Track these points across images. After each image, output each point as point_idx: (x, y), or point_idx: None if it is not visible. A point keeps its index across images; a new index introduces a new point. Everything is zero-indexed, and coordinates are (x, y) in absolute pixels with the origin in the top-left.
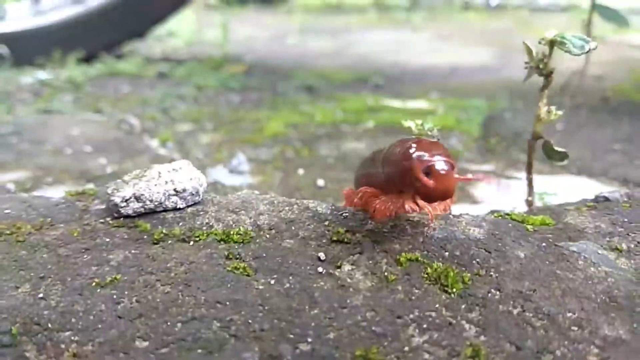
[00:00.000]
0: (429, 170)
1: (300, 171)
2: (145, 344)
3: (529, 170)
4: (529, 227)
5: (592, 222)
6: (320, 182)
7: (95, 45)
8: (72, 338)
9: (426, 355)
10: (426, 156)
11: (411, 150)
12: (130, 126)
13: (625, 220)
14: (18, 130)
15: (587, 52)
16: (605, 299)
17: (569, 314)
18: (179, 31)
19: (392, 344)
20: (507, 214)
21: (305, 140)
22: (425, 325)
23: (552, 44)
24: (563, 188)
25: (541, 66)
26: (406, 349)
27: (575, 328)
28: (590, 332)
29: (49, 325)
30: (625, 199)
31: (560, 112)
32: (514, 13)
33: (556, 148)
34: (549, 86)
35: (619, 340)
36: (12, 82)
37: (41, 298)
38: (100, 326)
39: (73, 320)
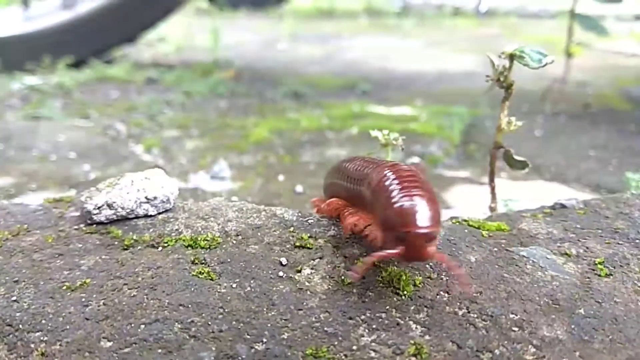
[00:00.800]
0: (405, 239)
1: (281, 177)
2: (110, 344)
3: (492, 178)
4: (484, 232)
5: (545, 228)
6: (299, 189)
7: (84, 51)
8: (42, 338)
9: (372, 354)
10: (409, 220)
11: (397, 210)
12: (116, 132)
13: (578, 226)
14: (6, 136)
15: (544, 65)
16: (547, 302)
17: (512, 315)
18: (169, 36)
19: (342, 343)
20: (465, 220)
21: (289, 146)
22: (374, 326)
23: (511, 57)
24: (534, 194)
25: (502, 79)
26: (354, 347)
27: (516, 329)
28: (530, 332)
29: (20, 326)
30: (581, 206)
31: (519, 123)
32: (504, 20)
33: (516, 157)
34: (510, 97)
35: (556, 341)
36: (2, 87)
37: (14, 300)
38: (68, 327)
39: (43, 321)
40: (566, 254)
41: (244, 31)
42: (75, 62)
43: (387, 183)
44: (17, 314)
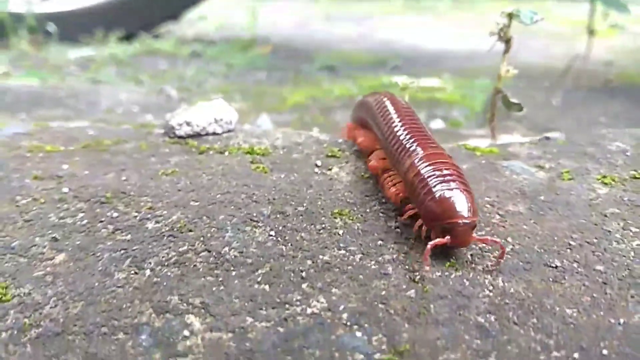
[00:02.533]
0: (452, 229)
1: (315, 130)
2: (197, 203)
3: (492, 119)
4: (477, 153)
5: (527, 151)
6: None
7: (133, 25)
8: (148, 200)
9: (380, 214)
10: (454, 211)
11: (442, 204)
12: (168, 95)
13: (555, 150)
14: (74, 94)
15: (535, 22)
16: (516, 192)
17: (487, 199)
18: (209, 16)
19: (359, 209)
20: (463, 144)
21: (322, 109)
22: (383, 201)
23: (510, 16)
24: None
25: (502, 34)
26: (368, 211)
27: (489, 206)
28: (498, 208)
29: (132, 193)
30: (562, 138)
31: (515, 71)
32: (539, 3)
33: (512, 100)
34: (509, 50)
35: (517, 213)
36: (60, 56)
37: (124, 180)
38: (166, 194)
39: (147, 191)
40: (539, 166)
41: (280, 12)
42: (125, 36)
43: (426, 175)
44: (128, 187)
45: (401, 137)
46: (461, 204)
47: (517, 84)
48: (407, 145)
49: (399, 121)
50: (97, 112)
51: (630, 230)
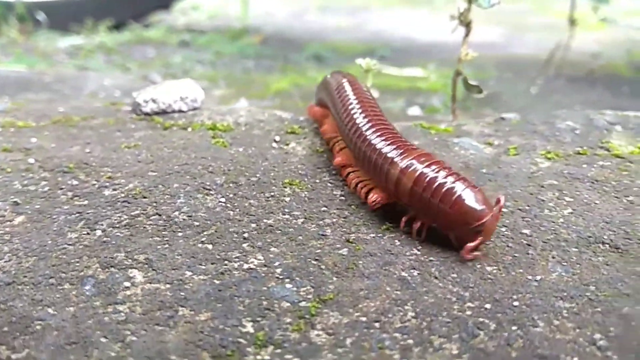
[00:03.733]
0: (482, 230)
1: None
2: (155, 173)
3: (453, 100)
4: (432, 131)
5: (480, 129)
6: None
7: (124, 14)
8: (108, 170)
9: (329, 184)
10: (481, 214)
11: (466, 209)
12: (152, 82)
13: (507, 129)
14: (60, 80)
15: (492, 6)
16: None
17: None
18: (203, 5)
19: (309, 179)
20: (420, 124)
21: (304, 95)
22: (334, 172)
23: (469, 1)
24: None
25: (462, 18)
26: (317, 181)
27: None
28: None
29: (94, 164)
30: (517, 118)
31: (475, 54)
32: None
33: (471, 82)
34: (470, 34)
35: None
36: (50, 44)
37: (88, 152)
38: (126, 165)
39: (109, 162)
40: (489, 143)
41: (275, 2)
42: (116, 25)
43: (433, 182)
44: (91, 158)
45: (371, 137)
46: (479, 200)
47: (503, 74)
48: (386, 149)
49: (362, 115)
50: (80, 97)
51: (564, 200)
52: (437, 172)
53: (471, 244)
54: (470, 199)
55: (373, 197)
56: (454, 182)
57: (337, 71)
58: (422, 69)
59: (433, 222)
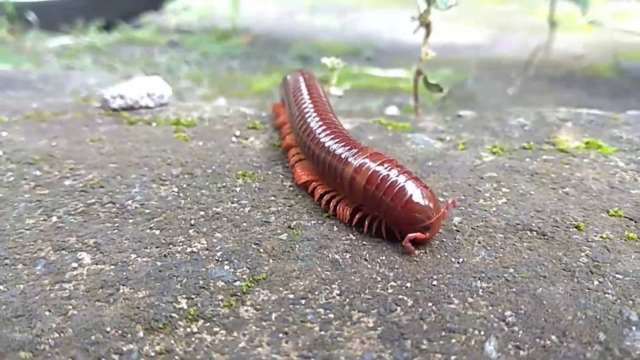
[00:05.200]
0: (429, 227)
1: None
2: (115, 165)
3: (415, 98)
4: (389, 127)
5: (435, 125)
6: None
7: (114, 15)
8: (71, 162)
9: (281, 177)
10: (430, 213)
11: (416, 208)
12: None
13: (461, 126)
14: (45, 79)
15: (449, 7)
16: (409, 159)
17: None
18: (193, 6)
19: (263, 171)
20: (378, 120)
21: None
22: (286, 165)
23: (428, 1)
24: None
25: (421, 20)
26: (269, 173)
27: None
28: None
29: (58, 156)
30: (473, 116)
31: (434, 54)
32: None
33: (431, 81)
34: (430, 34)
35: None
36: (39, 44)
37: (54, 146)
38: (88, 158)
39: (72, 155)
40: (441, 138)
41: (265, 3)
42: (106, 26)
43: (385, 181)
44: (56, 151)
45: (323, 135)
46: (428, 201)
47: (483, 74)
48: (336, 146)
49: (315, 115)
50: (61, 95)
51: (501, 191)
52: (389, 170)
53: (412, 235)
54: (420, 198)
55: (298, 173)
56: (405, 181)
57: (297, 70)
58: (405, 70)
59: (384, 218)
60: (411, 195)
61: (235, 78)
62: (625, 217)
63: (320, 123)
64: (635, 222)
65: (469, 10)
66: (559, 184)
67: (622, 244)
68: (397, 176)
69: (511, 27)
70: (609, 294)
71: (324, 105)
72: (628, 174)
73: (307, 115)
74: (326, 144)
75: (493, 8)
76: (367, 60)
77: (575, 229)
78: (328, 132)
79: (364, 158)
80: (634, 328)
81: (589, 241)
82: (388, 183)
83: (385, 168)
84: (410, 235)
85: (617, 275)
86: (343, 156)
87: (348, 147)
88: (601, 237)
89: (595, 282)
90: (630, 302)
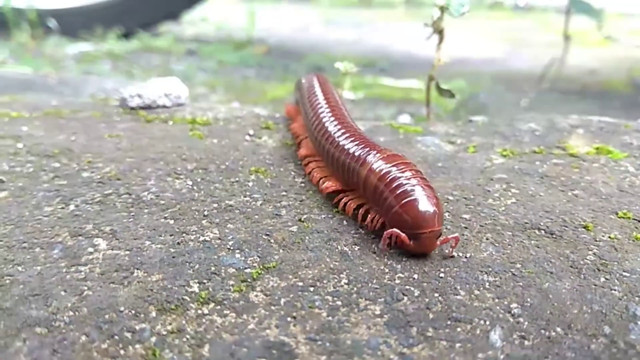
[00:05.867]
0: (419, 239)
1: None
2: (131, 159)
3: (427, 103)
4: (401, 131)
5: (446, 129)
6: None
7: (133, 24)
8: (89, 156)
9: (292, 173)
10: (423, 224)
11: (411, 213)
12: None
13: (472, 130)
14: (63, 82)
15: (462, 14)
16: (419, 159)
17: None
18: (211, 17)
19: (275, 168)
20: (390, 124)
21: None
22: (298, 163)
23: (441, 8)
24: None
25: (435, 27)
26: (282, 169)
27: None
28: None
29: (76, 150)
30: (485, 121)
31: (447, 60)
32: (540, 14)
33: (443, 87)
34: (443, 40)
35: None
36: (59, 50)
37: (73, 140)
38: (106, 152)
39: (91, 149)
40: (451, 142)
41: (282, 17)
42: (125, 34)
43: (392, 181)
44: (74, 145)
45: (340, 135)
46: (430, 212)
47: (497, 87)
48: (352, 146)
49: (331, 116)
50: (80, 97)
51: (510, 192)
52: (403, 172)
53: (393, 231)
54: (421, 205)
55: (326, 184)
56: (414, 185)
57: (311, 73)
58: (418, 81)
59: (384, 217)
60: (413, 199)
61: (250, 86)
62: (634, 219)
63: (336, 124)
64: None
65: (485, 26)
66: (568, 186)
67: (630, 244)
68: (408, 179)
69: (526, 43)
70: (615, 290)
71: (339, 106)
72: (638, 178)
73: (322, 116)
74: (343, 144)
75: (509, 24)
76: (381, 71)
77: (583, 228)
78: (345, 132)
79: (380, 158)
80: (639, 323)
81: (596, 240)
82: (397, 183)
83: (400, 169)
84: (394, 231)
85: (624, 273)
86: (358, 155)
87: (365, 147)
88: (609, 237)
89: (602, 279)
90: (637, 298)
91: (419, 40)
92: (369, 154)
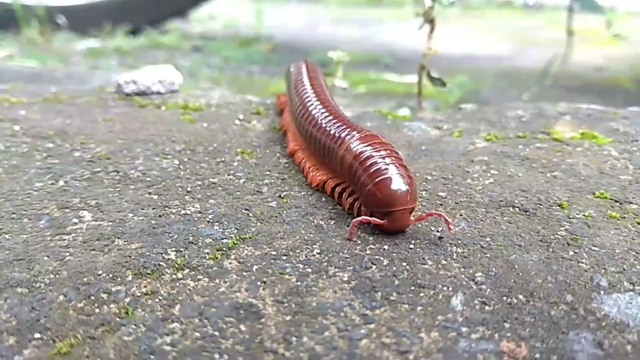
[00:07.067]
0: (391, 215)
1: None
2: (122, 141)
3: (419, 93)
4: (389, 117)
5: (434, 115)
6: None
7: (141, 21)
8: (82, 137)
9: (278, 155)
10: (396, 201)
11: (383, 191)
12: None
13: (459, 117)
14: (69, 76)
15: (452, 3)
16: (404, 143)
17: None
18: (219, 15)
19: (261, 150)
20: (379, 110)
21: None
22: (284, 145)
23: None
24: None
25: (426, 16)
26: (268, 151)
27: None
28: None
29: (70, 132)
30: (474, 108)
31: (438, 50)
32: (550, 13)
33: (434, 75)
34: (434, 30)
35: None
36: (67, 46)
37: (68, 124)
38: (97, 134)
39: (84, 131)
40: (438, 127)
41: (290, 15)
42: (132, 30)
43: (367, 159)
44: (69, 128)
45: (319, 115)
46: (402, 190)
47: (500, 83)
48: (333, 128)
49: (315, 99)
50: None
51: (489, 173)
52: (378, 151)
53: (362, 218)
54: (393, 184)
55: (316, 176)
56: (388, 164)
57: (301, 60)
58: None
59: (359, 196)
60: (386, 178)
61: (254, 81)
62: (610, 199)
63: (320, 107)
64: (620, 203)
65: (493, 24)
66: (548, 168)
67: (603, 221)
68: (382, 157)
69: (534, 41)
70: (582, 263)
71: (324, 92)
72: (620, 162)
73: (306, 101)
74: (324, 127)
75: (517, 23)
76: (385, 67)
77: (558, 207)
78: (327, 115)
79: (357, 138)
80: (602, 292)
81: (570, 218)
82: (370, 161)
83: (375, 149)
84: (363, 219)
85: (594, 248)
86: (338, 136)
87: (344, 128)
88: (583, 215)
89: (571, 253)
90: (603, 270)
91: (425, 38)
92: (347, 135)
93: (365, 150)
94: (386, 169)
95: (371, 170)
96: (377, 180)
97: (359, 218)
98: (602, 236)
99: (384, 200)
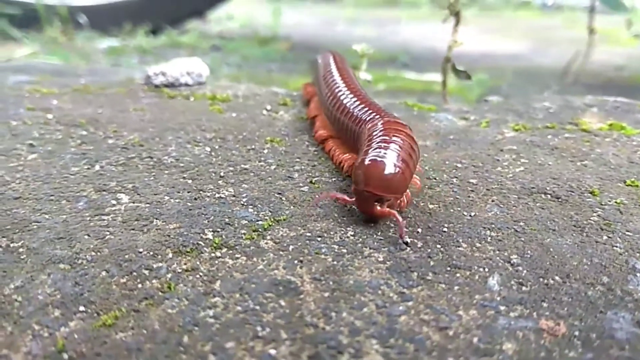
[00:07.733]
0: (355, 193)
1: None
2: (153, 129)
3: (444, 86)
4: (415, 108)
5: (460, 107)
6: None
7: (161, 20)
8: (114, 126)
9: (306, 143)
10: (359, 179)
11: (358, 166)
12: None
13: (486, 108)
14: (92, 72)
15: None
16: (432, 133)
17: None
18: (237, 15)
19: (290, 138)
20: (405, 102)
21: None
22: (312, 134)
23: None
24: None
25: (451, 9)
26: (296, 140)
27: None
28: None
29: (102, 121)
30: (500, 100)
31: (462, 43)
32: (568, 13)
33: (459, 68)
34: (459, 23)
35: (423, 146)
36: (89, 45)
37: (99, 113)
38: (130, 123)
39: (116, 120)
40: (464, 118)
41: (306, 15)
42: (153, 30)
43: (369, 137)
44: (101, 117)
45: (351, 102)
46: (372, 173)
47: (519, 81)
48: (362, 113)
49: (344, 84)
50: None
51: (519, 161)
52: (385, 135)
53: (343, 196)
54: (372, 165)
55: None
56: (382, 147)
57: (327, 51)
58: (439, 74)
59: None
60: (369, 158)
61: (272, 78)
62: None
63: (351, 96)
64: None
65: (511, 24)
66: (578, 157)
67: (636, 208)
68: (384, 142)
69: (552, 40)
70: (617, 247)
71: (353, 81)
72: None
73: (336, 90)
74: (355, 113)
75: (536, 23)
76: (403, 65)
77: (589, 194)
78: (359, 103)
79: (380, 122)
80: (638, 275)
81: (602, 204)
82: (371, 142)
83: (384, 131)
84: (334, 194)
85: (628, 233)
86: (364, 119)
87: (372, 113)
88: (615, 202)
89: (605, 237)
90: (638, 254)
91: (441, 37)
92: (373, 118)
93: (379, 133)
94: (378, 151)
95: (367, 149)
96: (364, 157)
97: (333, 193)
98: (635, 222)
99: (354, 177)
